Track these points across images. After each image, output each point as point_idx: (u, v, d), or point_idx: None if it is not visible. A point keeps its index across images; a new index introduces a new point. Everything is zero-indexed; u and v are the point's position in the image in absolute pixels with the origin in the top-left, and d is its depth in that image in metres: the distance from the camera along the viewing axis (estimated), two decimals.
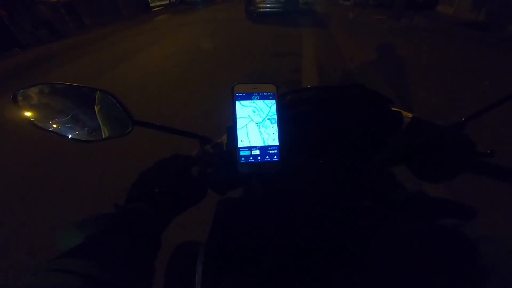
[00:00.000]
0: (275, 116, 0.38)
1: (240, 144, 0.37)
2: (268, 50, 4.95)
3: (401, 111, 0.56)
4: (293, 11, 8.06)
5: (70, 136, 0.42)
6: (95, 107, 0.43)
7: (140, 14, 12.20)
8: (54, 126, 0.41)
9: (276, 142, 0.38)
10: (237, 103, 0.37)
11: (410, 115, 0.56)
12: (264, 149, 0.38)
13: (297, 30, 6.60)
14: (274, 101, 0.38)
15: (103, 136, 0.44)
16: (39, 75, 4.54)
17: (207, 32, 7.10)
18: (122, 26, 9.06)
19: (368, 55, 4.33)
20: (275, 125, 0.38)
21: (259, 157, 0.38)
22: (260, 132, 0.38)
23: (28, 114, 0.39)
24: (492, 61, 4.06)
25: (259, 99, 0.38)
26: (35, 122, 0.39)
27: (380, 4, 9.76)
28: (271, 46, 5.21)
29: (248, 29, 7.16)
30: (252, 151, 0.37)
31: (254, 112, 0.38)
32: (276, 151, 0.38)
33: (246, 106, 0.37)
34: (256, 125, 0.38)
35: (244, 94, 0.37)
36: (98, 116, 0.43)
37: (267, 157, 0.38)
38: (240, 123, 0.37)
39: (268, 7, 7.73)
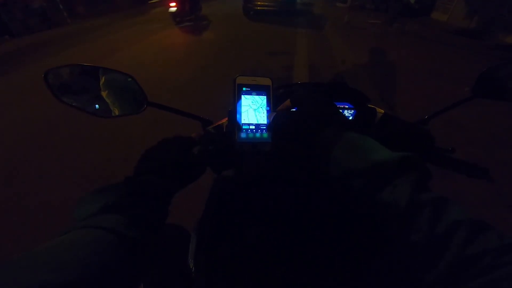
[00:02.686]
0: (269, 104, 0.46)
1: (238, 124, 0.44)
2: (262, 48, 4.99)
3: (375, 107, 0.64)
4: (290, 11, 8.08)
5: (90, 111, 0.47)
6: (102, 89, 0.48)
7: (137, 6, 11.99)
8: (77, 101, 0.46)
9: (266, 122, 0.46)
10: (238, 91, 0.44)
11: (382, 111, 0.63)
12: (257, 126, 0.45)
13: (292, 29, 6.64)
14: (269, 92, 0.46)
15: (119, 113, 0.50)
16: (27, 62, 4.47)
17: (201, 27, 7.07)
18: (117, 17, 8.92)
19: (359, 58, 4.41)
20: (269, 111, 0.46)
21: (254, 131, 0.45)
22: (256, 115, 0.45)
23: (55, 90, 0.44)
24: (477, 68, 4.16)
25: (256, 89, 0.45)
26: (61, 98, 0.44)
27: (376, 9, 9.87)
28: (265, 44, 5.25)
29: (244, 26, 7.16)
30: (250, 126, 0.45)
31: (252, 99, 0.45)
32: (265, 128, 0.45)
33: (245, 94, 0.44)
34: (253, 110, 0.45)
35: (244, 84, 0.44)
36: (107, 95, 0.49)
37: (259, 132, 0.45)
38: (239, 108, 0.44)
39: (265, 6, 7.71)
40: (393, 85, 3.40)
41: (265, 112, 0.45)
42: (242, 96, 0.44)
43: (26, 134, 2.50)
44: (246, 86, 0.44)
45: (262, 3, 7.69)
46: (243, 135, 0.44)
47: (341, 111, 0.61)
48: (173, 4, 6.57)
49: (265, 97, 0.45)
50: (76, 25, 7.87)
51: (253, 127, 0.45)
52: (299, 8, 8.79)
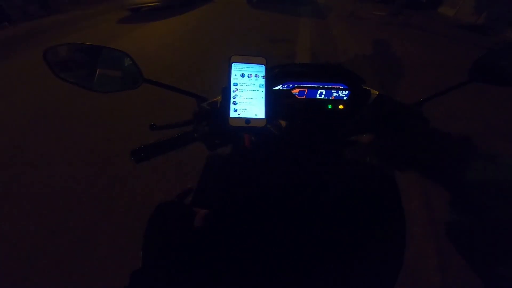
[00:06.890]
0: (263, 83, 0.46)
1: (232, 100, 0.44)
2: (264, 35, 4.92)
3: (370, 88, 0.64)
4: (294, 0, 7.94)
5: (87, 87, 0.50)
6: (99, 66, 0.50)
7: None
8: (75, 78, 0.48)
9: (261, 99, 0.46)
10: (233, 69, 0.44)
11: (377, 92, 0.63)
12: (251, 103, 0.45)
13: (295, 18, 6.53)
14: (263, 71, 0.46)
15: (115, 89, 0.52)
16: (27, 48, 4.44)
17: (203, 15, 6.97)
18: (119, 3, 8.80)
19: (361, 48, 4.34)
20: (263, 89, 0.46)
21: (248, 108, 0.45)
22: (250, 93, 0.45)
23: (54, 67, 0.46)
24: None
25: (251, 68, 0.45)
26: (59, 74, 0.46)
27: (382, 0, 9.66)
28: (267, 32, 5.18)
29: (247, 14, 7.05)
30: (244, 103, 0.45)
31: (246, 77, 0.45)
32: (259, 105, 0.45)
33: (240, 72, 0.45)
34: (247, 88, 0.45)
35: (239, 63, 0.45)
36: (104, 72, 0.51)
37: (253, 109, 0.45)
38: (233, 85, 0.44)
39: None
40: (393, 75, 3.35)
41: (260, 90, 0.45)
42: (237, 73, 0.44)
43: (25, 117, 2.50)
44: (241, 64, 0.44)
45: None
46: (236, 111, 0.44)
47: (335, 91, 0.61)
48: None
49: (260, 75, 0.45)
50: (76, 11, 7.77)
51: (247, 104, 0.44)
52: None
